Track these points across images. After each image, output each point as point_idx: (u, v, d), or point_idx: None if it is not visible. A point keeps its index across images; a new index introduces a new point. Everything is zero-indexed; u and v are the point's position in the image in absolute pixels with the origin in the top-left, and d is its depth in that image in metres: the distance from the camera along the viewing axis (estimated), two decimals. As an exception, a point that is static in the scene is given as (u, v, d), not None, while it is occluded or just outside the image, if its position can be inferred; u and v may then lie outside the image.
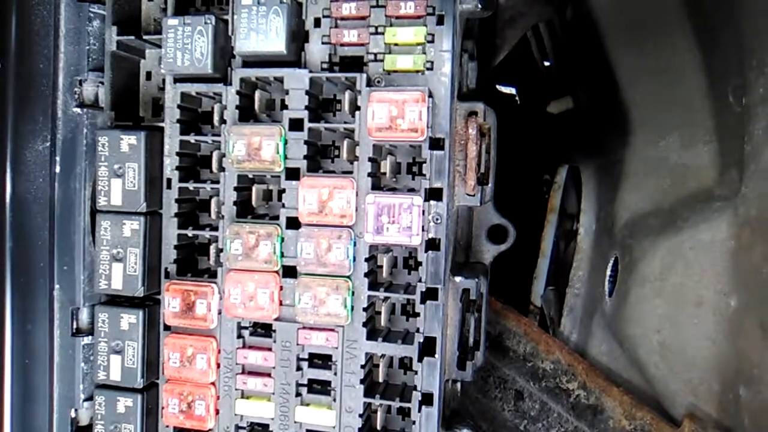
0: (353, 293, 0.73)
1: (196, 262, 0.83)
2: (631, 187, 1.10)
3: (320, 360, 0.77)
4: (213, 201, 0.79)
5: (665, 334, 0.95)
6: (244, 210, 0.79)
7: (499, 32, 1.04)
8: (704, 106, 0.92)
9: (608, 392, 1.00)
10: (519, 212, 0.99)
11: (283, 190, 0.76)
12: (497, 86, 1.78)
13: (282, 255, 0.75)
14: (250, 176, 0.78)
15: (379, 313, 0.77)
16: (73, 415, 0.86)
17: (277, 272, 0.76)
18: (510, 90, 1.85)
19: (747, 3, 0.80)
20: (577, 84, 1.38)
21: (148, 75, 0.85)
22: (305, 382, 0.77)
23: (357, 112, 0.73)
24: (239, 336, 0.78)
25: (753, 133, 0.81)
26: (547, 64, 1.60)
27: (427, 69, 0.72)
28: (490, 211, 0.88)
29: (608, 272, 1.11)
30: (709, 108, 0.92)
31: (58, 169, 0.84)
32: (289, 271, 0.76)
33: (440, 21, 0.72)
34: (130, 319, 0.79)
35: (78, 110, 0.85)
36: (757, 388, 0.81)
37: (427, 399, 0.74)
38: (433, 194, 0.73)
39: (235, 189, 0.77)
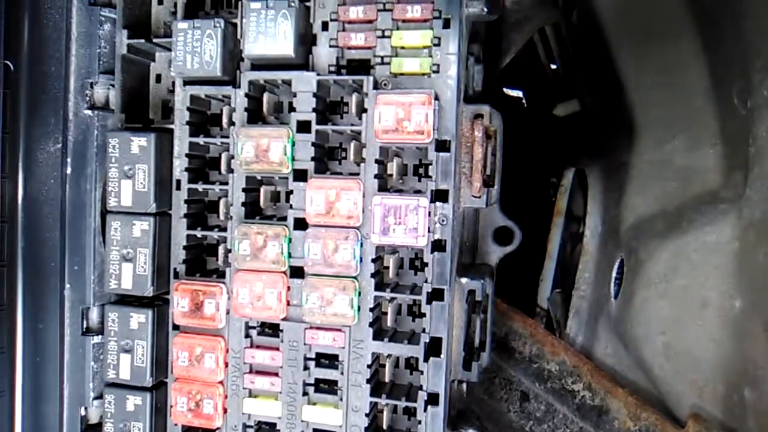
0: (360, 294, 0.74)
1: (204, 262, 0.84)
2: (636, 189, 1.10)
3: (327, 360, 0.77)
4: (221, 202, 0.80)
5: (670, 335, 0.95)
6: (253, 211, 0.79)
7: (505, 35, 1.04)
8: (709, 108, 0.93)
9: (613, 393, 1.00)
10: (526, 214, 0.99)
11: (291, 192, 0.76)
12: (504, 89, 1.79)
13: (289, 255, 0.76)
14: (258, 177, 0.79)
15: (386, 313, 0.78)
16: (83, 413, 0.87)
17: (284, 272, 0.76)
18: (517, 93, 1.85)
19: (751, 4, 0.80)
20: (584, 87, 1.39)
21: (158, 78, 0.86)
22: (312, 381, 0.77)
23: (364, 115, 0.74)
24: (247, 335, 0.79)
25: (757, 136, 0.81)
26: (553, 67, 1.60)
27: (434, 72, 0.73)
28: (496, 212, 0.88)
29: (614, 274, 1.11)
30: (714, 111, 0.92)
31: (69, 170, 0.85)
32: (297, 272, 0.76)
33: (446, 24, 0.72)
34: (140, 318, 0.80)
35: (89, 112, 0.86)
36: (762, 389, 0.81)
37: (432, 399, 0.74)
38: (439, 196, 0.73)
39: (244, 190, 0.78)
